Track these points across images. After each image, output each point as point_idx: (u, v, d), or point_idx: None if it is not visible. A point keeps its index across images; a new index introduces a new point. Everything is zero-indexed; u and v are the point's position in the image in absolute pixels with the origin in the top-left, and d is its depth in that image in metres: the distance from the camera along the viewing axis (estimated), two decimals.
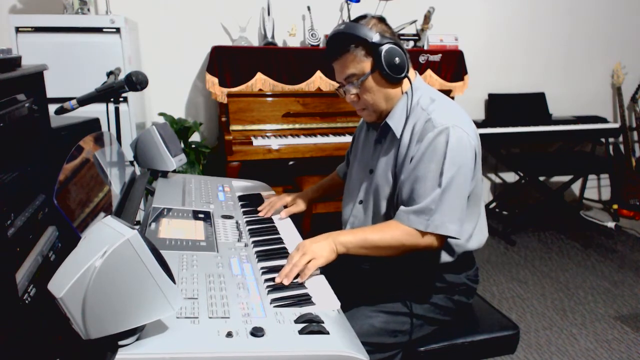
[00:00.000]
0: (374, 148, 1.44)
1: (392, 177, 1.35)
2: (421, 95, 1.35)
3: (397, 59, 1.28)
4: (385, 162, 1.38)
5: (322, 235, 1.26)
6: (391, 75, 1.29)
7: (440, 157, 1.23)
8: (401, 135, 1.33)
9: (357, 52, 1.29)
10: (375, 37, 1.27)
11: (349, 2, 3.02)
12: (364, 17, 1.34)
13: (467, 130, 1.27)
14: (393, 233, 1.25)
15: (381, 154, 1.40)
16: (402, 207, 1.27)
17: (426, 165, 1.24)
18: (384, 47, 1.27)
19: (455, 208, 1.24)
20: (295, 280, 1.12)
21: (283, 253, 1.27)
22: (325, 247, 1.21)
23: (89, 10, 2.58)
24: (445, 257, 1.36)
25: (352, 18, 3.02)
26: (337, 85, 1.40)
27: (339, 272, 1.47)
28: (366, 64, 1.30)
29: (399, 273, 1.38)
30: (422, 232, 1.23)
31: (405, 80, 1.35)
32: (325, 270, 1.21)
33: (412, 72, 1.38)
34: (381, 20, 1.34)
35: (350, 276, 1.48)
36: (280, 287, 1.07)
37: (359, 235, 1.26)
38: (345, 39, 1.29)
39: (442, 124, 1.25)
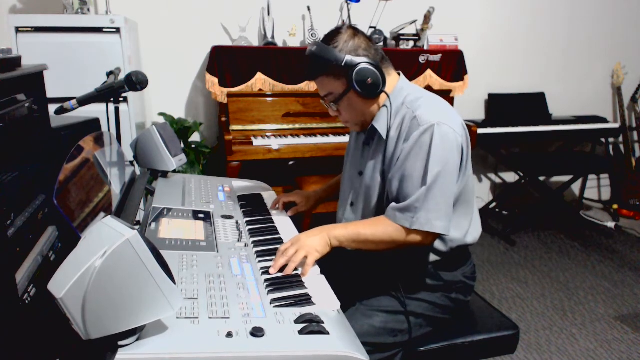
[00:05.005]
0: (362, 150, 1.46)
1: (381, 176, 1.37)
2: (407, 95, 1.36)
3: (369, 79, 1.28)
4: (374, 164, 1.39)
5: (316, 229, 1.29)
6: (365, 93, 1.30)
7: (425, 155, 1.25)
8: (388, 136, 1.34)
9: (329, 74, 1.31)
10: (346, 59, 1.27)
11: (349, 2, 3.02)
12: (337, 32, 1.32)
13: (453, 126, 1.27)
14: (385, 229, 1.27)
15: (369, 156, 1.42)
16: (390, 205, 1.29)
17: (412, 163, 1.26)
18: (355, 69, 1.27)
19: (441, 205, 1.25)
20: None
21: None
22: (319, 241, 1.25)
23: (89, 10, 2.57)
24: (438, 252, 1.37)
25: (351, 18, 3.04)
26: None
27: (339, 270, 1.47)
28: (340, 85, 1.32)
29: (397, 271, 1.38)
30: (409, 230, 1.25)
31: (386, 88, 1.33)
32: (325, 270, 1.21)
33: (393, 75, 1.39)
34: (355, 33, 1.32)
35: (349, 275, 1.49)
36: (280, 287, 1.07)
37: (352, 229, 1.29)
38: (317, 62, 1.31)
39: (427, 121, 1.26)
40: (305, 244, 1.22)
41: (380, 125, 1.36)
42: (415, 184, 1.25)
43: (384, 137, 1.35)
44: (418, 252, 1.37)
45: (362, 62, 1.27)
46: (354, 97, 1.32)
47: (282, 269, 1.17)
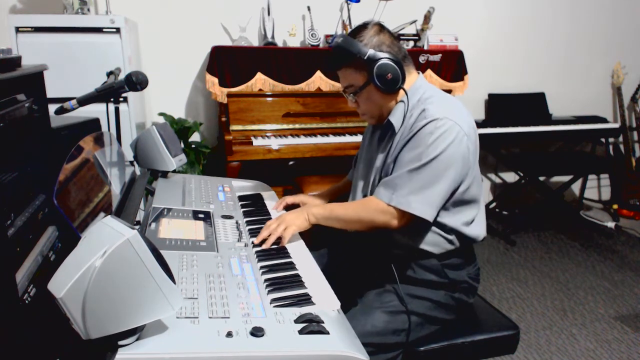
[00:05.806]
0: (377, 146, 1.48)
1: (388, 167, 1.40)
2: (423, 92, 1.40)
3: (389, 74, 1.32)
4: (384, 156, 1.42)
5: (299, 208, 1.44)
6: (384, 88, 1.34)
7: (420, 144, 1.28)
8: (399, 129, 1.37)
9: (352, 67, 1.36)
10: (369, 53, 1.31)
11: (349, 2, 3.02)
12: (364, 27, 1.38)
13: (459, 123, 1.29)
14: (356, 208, 1.37)
15: (382, 149, 1.44)
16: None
17: (408, 149, 1.31)
18: (377, 64, 1.31)
19: (426, 190, 1.27)
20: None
21: (283, 253, 1.27)
22: (299, 217, 1.37)
23: (89, 10, 2.58)
24: (441, 238, 1.37)
25: (351, 18, 3.04)
26: (339, 85, 1.45)
27: (339, 266, 1.48)
28: (361, 78, 1.36)
29: (400, 267, 1.38)
30: (385, 208, 1.29)
31: (404, 85, 1.37)
32: (325, 269, 1.22)
33: (413, 74, 1.43)
34: (381, 29, 1.37)
35: (350, 267, 1.49)
36: (280, 287, 1.07)
37: (328, 208, 1.40)
38: (341, 53, 1.36)
39: (432, 115, 1.29)
40: (286, 219, 1.35)
41: (396, 119, 1.39)
42: (404, 166, 1.30)
43: (397, 130, 1.38)
44: (422, 243, 1.37)
45: (384, 57, 1.31)
46: (373, 91, 1.36)
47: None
